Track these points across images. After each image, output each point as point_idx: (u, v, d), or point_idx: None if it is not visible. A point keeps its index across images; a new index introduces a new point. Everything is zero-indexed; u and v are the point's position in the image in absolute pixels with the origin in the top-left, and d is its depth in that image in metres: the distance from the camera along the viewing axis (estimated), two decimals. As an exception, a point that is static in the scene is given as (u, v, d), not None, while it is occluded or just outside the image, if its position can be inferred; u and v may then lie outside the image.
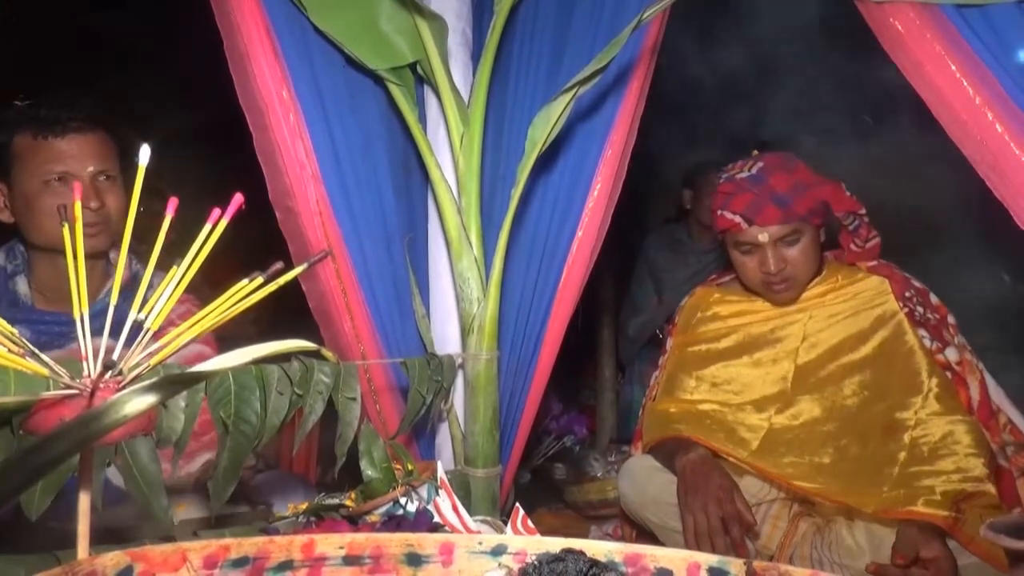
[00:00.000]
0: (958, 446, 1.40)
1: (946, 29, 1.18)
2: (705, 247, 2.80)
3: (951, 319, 1.56)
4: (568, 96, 1.31)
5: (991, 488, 1.37)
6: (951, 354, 1.50)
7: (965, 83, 1.17)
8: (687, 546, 1.37)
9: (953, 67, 1.17)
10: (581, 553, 0.64)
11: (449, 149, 1.46)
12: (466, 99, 1.43)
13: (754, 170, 1.54)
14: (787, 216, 1.49)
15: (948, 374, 1.50)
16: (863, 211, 1.57)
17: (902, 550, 1.28)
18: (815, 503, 1.52)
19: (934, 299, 1.57)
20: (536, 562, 0.63)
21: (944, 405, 1.45)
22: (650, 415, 1.71)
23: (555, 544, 0.66)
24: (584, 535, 2.00)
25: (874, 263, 1.60)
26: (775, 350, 1.61)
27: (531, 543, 0.67)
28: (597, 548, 0.65)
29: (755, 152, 1.59)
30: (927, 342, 1.50)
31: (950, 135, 1.20)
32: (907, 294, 1.54)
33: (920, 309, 1.53)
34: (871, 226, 1.60)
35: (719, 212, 1.57)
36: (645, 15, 1.23)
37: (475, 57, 1.51)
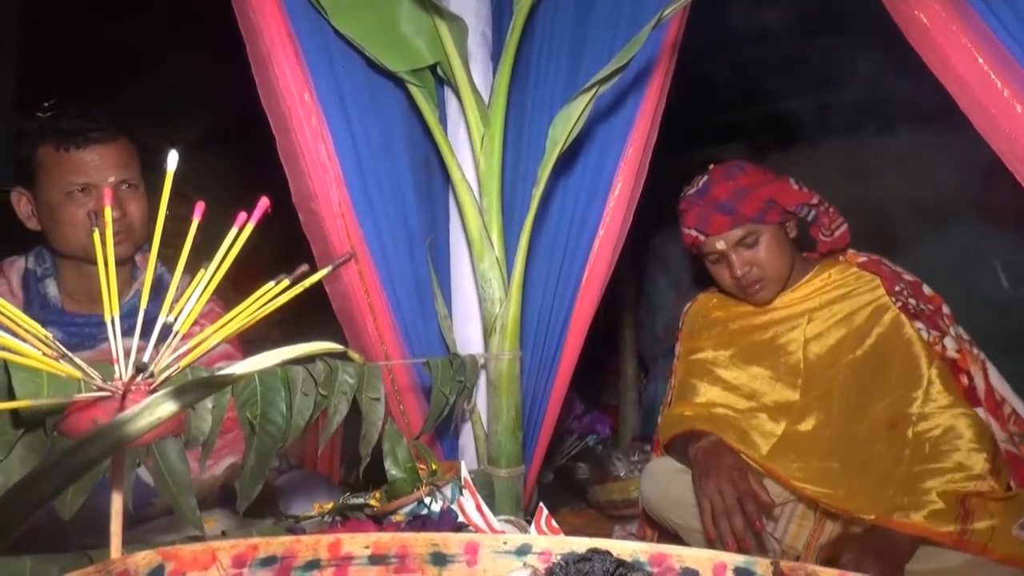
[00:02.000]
0: (960, 441, 1.39)
1: (972, 21, 1.16)
2: None
3: (946, 309, 1.55)
4: (588, 95, 1.31)
5: (994, 484, 1.35)
6: (949, 343, 1.50)
7: (993, 75, 1.15)
8: (704, 529, 1.38)
9: (980, 59, 1.15)
10: (607, 553, 0.63)
11: (470, 150, 1.46)
12: (486, 99, 1.43)
13: (700, 184, 1.60)
14: (736, 220, 1.54)
15: (947, 364, 1.49)
16: (815, 200, 1.59)
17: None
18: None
19: (927, 290, 1.57)
20: (562, 562, 0.63)
21: (945, 397, 1.44)
22: (666, 419, 1.73)
23: (580, 544, 0.66)
24: (607, 535, 1.99)
25: (863, 259, 1.62)
26: (780, 357, 1.62)
27: (556, 543, 0.67)
28: (623, 548, 0.65)
29: (711, 166, 1.64)
30: (924, 333, 1.50)
31: (978, 129, 1.18)
32: (897, 288, 1.55)
33: (912, 301, 1.53)
34: (834, 214, 1.61)
35: (682, 230, 1.63)
36: (665, 12, 1.23)
37: (495, 57, 1.52)
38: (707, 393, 1.67)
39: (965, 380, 1.48)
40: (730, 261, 1.57)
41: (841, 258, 1.65)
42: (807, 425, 1.56)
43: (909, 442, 1.43)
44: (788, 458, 1.52)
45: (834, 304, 1.59)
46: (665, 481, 1.57)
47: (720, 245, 1.56)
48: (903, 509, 1.34)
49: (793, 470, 1.50)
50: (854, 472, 1.46)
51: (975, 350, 1.52)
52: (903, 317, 1.52)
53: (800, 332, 1.61)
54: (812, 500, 1.49)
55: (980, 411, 1.45)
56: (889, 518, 1.35)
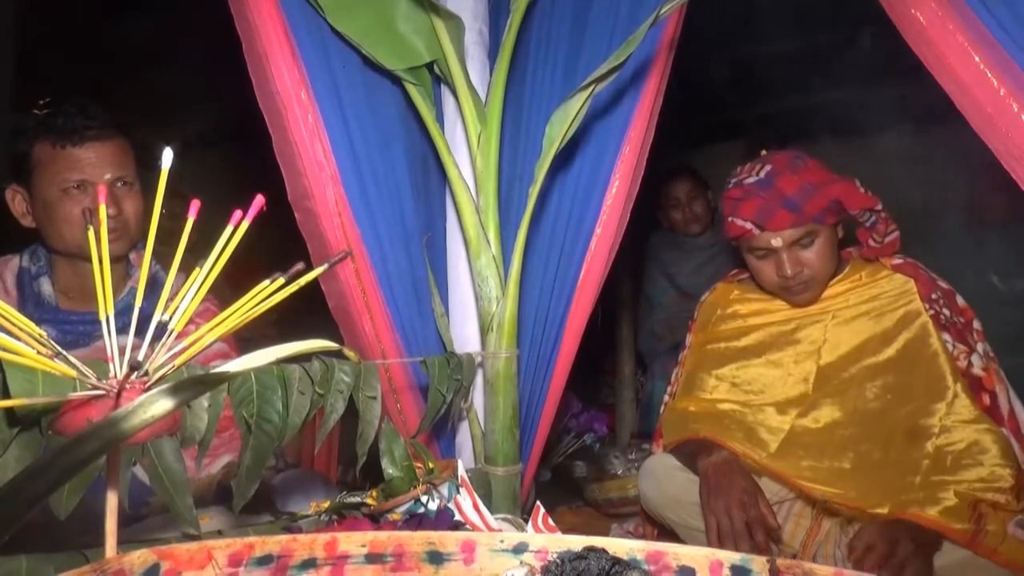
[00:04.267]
0: (985, 456, 1.36)
1: (969, 20, 1.16)
2: (702, 242, 2.87)
3: (976, 324, 1.50)
4: (585, 94, 1.31)
5: (1014, 502, 1.32)
6: (976, 360, 1.46)
7: (989, 74, 1.15)
8: (709, 545, 1.37)
9: (977, 58, 1.15)
10: (603, 551, 0.63)
11: (467, 148, 1.46)
12: (483, 98, 1.43)
13: (762, 174, 1.51)
14: (799, 219, 1.46)
15: (971, 381, 1.45)
16: (879, 207, 1.52)
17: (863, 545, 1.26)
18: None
19: (960, 302, 1.52)
20: (559, 560, 0.63)
21: (970, 411, 1.40)
22: (670, 413, 1.70)
23: (577, 542, 0.66)
24: (604, 533, 1.99)
25: (899, 261, 1.56)
26: (796, 351, 1.58)
27: (553, 541, 0.67)
28: (619, 546, 0.65)
29: (763, 152, 1.57)
30: (950, 347, 1.46)
31: (974, 128, 1.18)
32: (933, 296, 1.49)
33: (947, 312, 1.48)
34: (889, 220, 1.55)
35: (729, 218, 1.54)
36: (662, 11, 1.23)
37: (492, 56, 1.51)
38: (715, 388, 1.63)
39: (987, 399, 1.44)
40: (780, 260, 1.50)
41: (874, 259, 1.59)
42: (817, 422, 1.51)
43: (929, 455, 1.39)
44: (797, 455, 1.49)
45: (862, 304, 1.54)
46: (663, 479, 1.56)
47: (776, 242, 1.48)
48: (918, 504, 1.32)
49: (802, 468, 1.46)
50: (867, 475, 1.42)
51: (999, 369, 1.47)
52: (932, 327, 1.47)
53: (821, 329, 1.56)
54: (819, 500, 1.46)
55: (1004, 431, 1.41)
56: (902, 512, 1.32)
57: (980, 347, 1.48)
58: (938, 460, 1.38)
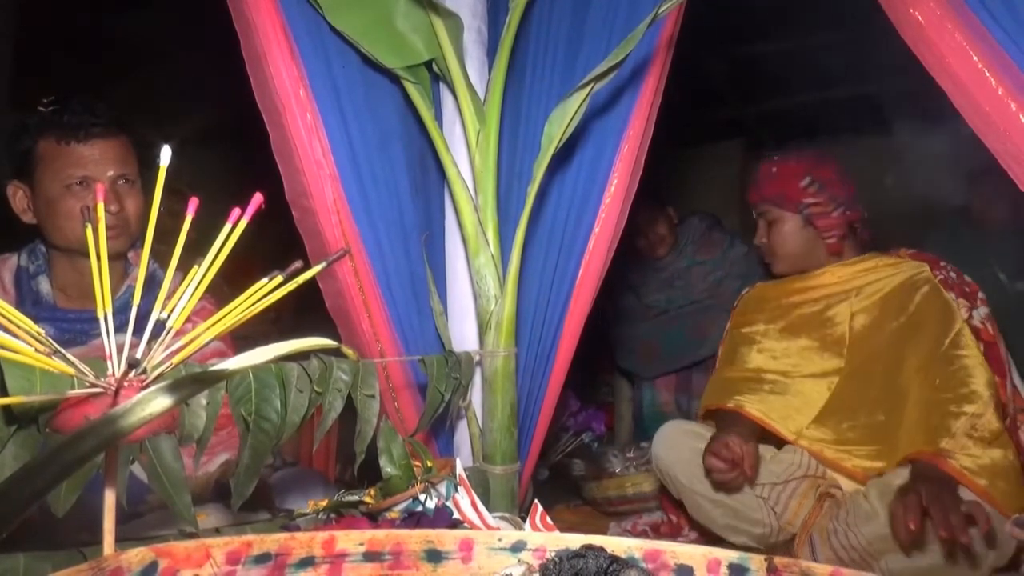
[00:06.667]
0: (972, 379, 1.54)
1: (968, 19, 1.16)
2: (666, 262, 2.82)
3: (982, 295, 1.67)
4: (584, 92, 1.31)
5: (993, 417, 1.49)
6: (976, 315, 1.63)
7: (987, 73, 1.15)
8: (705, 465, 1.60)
9: (975, 57, 1.16)
10: (601, 549, 0.63)
11: (465, 146, 1.46)
12: (482, 96, 1.43)
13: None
14: None
15: (971, 330, 1.63)
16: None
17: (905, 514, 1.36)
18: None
19: (967, 278, 1.70)
20: (556, 558, 0.63)
21: (971, 346, 1.58)
22: (711, 384, 1.90)
23: (575, 540, 0.66)
24: (603, 531, 2.00)
25: (914, 251, 1.77)
26: (829, 327, 1.76)
27: (551, 539, 0.67)
28: (617, 544, 0.65)
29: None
30: (954, 303, 1.64)
31: (972, 127, 1.19)
32: (941, 264, 1.71)
33: (952, 275, 1.68)
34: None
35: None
36: (661, 9, 1.23)
37: (491, 54, 1.51)
38: (754, 360, 1.83)
39: (983, 348, 1.60)
40: None
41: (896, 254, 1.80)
42: (851, 388, 1.70)
43: (938, 372, 1.58)
44: (836, 418, 1.68)
45: (881, 280, 1.75)
46: (676, 442, 1.74)
47: None
48: (934, 441, 1.48)
49: (843, 430, 1.67)
50: (899, 421, 1.60)
51: (999, 334, 1.64)
52: (940, 286, 1.67)
53: (847, 305, 1.76)
54: (845, 471, 1.63)
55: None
56: (929, 452, 1.48)
57: (982, 309, 1.65)
58: (943, 374, 1.57)
